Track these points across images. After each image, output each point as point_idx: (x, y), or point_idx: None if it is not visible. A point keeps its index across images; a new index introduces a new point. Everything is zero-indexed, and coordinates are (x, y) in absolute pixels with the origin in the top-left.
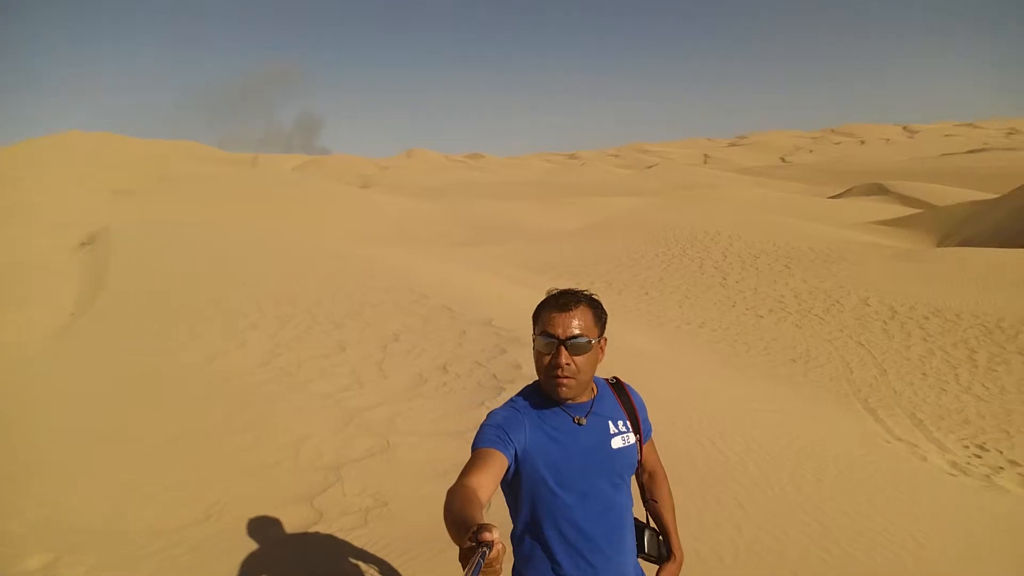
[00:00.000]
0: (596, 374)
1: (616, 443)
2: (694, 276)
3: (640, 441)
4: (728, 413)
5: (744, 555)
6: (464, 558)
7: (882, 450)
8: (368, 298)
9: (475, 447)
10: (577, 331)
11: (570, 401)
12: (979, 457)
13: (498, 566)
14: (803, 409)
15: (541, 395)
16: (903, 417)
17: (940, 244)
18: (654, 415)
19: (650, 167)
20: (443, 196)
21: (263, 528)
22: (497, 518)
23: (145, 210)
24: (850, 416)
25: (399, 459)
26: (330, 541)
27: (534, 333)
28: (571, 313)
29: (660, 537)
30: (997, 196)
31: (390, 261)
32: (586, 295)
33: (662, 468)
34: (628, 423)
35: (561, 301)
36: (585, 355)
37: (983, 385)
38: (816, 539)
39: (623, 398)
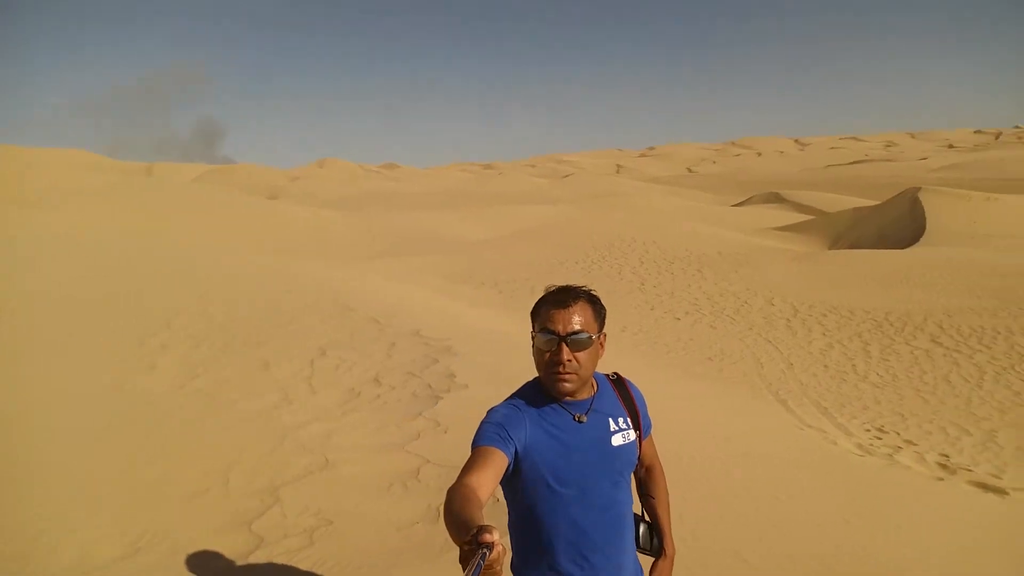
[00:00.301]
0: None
1: (616, 440)
2: (614, 282)
3: (640, 438)
4: (660, 414)
5: (703, 554)
6: (464, 559)
7: (798, 437)
8: (289, 312)
9: (475, 444)
10: (577, 327)
11: (571, 398)
12: (880, 439)
13: (498, 567)
14: (726, 404)
15: (541, 392)
16: (810, 406)
17: (832, 247)
18: None
19: (566, 177)
20: (359, 207)
21: (201, 558)
22: (493, 515)
23: (25, 225)
24: (765, 407)
25: (340, 475)
26: (275, 566)
27: (533, 331)
28: (571, 309)
29: (654, 531)
30: (879, 203)
31: (309, 273)
32: (585, 291)
33: (660, 463)
34: (628, 420)
35: (560, 297)
36: (586, 351)
37: (877, 374)
38: (775, 536)
39: (623, 394)
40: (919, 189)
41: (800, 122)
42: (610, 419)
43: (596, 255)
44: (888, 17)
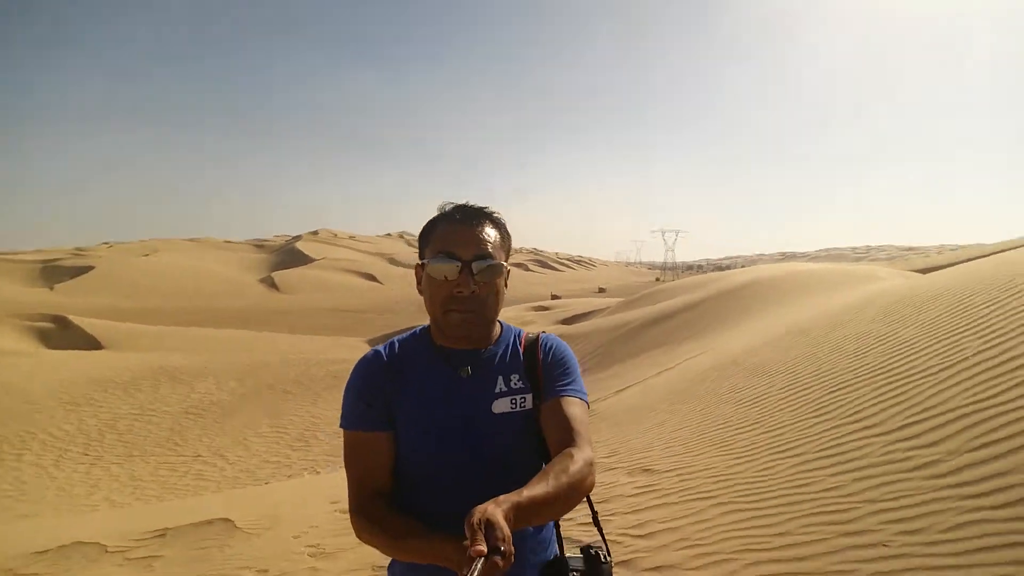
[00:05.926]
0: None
1: (500, 406)
2: None
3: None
4: None
5: None
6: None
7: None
8: None
9: (343, 424)
10: (485, 250)
11: (464, 346)
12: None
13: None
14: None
15: (427, 337)
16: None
17: None
18: None
19: None
20: None
21: None
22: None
23: None
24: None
25: None
26: None
27: (424, 258)
28: (478, 228)
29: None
30: None
31: None
32: (488, 211)
33: (580, 444)
34: (526, 380)
35: (463, 214)
36: (493, 282)
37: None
38: None
39: (530, 350)
40: None
41: None
42: (499, 377)
43: None
44: None
